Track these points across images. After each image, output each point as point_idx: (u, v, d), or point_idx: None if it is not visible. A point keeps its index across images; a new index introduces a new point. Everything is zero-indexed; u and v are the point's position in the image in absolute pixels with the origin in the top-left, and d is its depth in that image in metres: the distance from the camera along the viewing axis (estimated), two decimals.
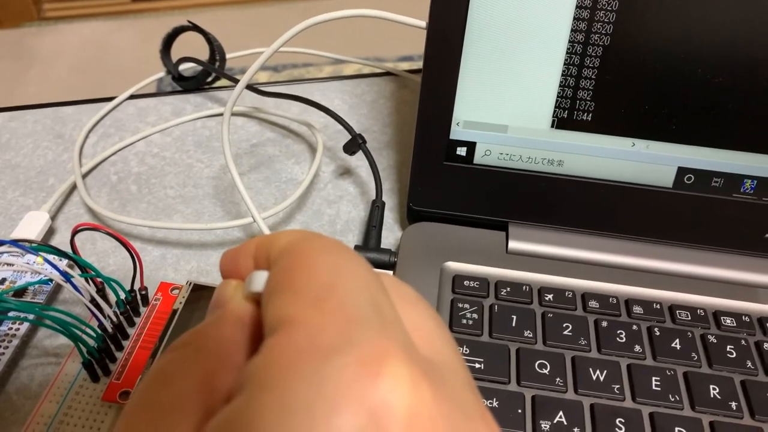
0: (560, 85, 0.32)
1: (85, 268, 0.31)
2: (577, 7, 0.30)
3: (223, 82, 0.49)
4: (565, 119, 0.33)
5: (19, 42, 1.82)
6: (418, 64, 0.54)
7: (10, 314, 0.31)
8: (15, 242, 0.31)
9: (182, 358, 0.16)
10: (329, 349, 0.13)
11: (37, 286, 0.33)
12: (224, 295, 0.17)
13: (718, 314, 0.32)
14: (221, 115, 0.47)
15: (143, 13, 1.95)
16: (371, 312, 0.14)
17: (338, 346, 0.13)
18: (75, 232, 0.30)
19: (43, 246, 0.31)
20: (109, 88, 0.61)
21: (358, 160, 0.44)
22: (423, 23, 0.32)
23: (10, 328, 0.31)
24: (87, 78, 1.65)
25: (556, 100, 0.32)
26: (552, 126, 0.33)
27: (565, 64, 0.32)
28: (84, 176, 0.42)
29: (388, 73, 0.52)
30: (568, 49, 0.31)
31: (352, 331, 0.13)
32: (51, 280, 0.33)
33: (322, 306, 0.14)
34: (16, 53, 1.77)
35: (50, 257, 0.32)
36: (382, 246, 0.37)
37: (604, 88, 0.32)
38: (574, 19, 0.31)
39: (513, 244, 0.35)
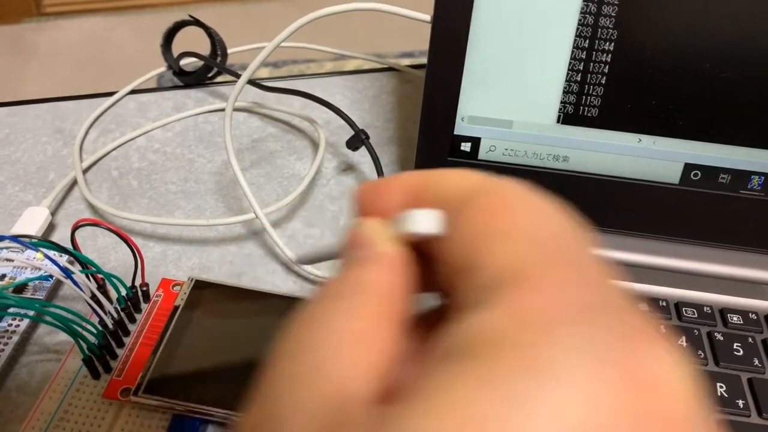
0: (566, 80, 0.32)
1: (85, 264, 0.31)
2: (584, 0, 0.30)
3: (224, 77, 0.49)
4: (571, 114, 0.32)
5: (19, 38, 1.81)
6: (420, 60, 0.54)
7: (10, 310, 0.30)
8: (15, 238, 0.31)
9: (339, 309, 0.13)
10: (590, 310, 0.12)
11: (37, 282, 0.33)
12: (366, 235, 0.15)
13: (724, 311, 0.32)
14: (223, 110, 0.47)
15: (144, 8, 1.95)
16: (606, 273, 0.13)
17: (598, 307, 0.12)
18: (75, 228, 0.30)
19: (44, 242, 0.31)
20: (110, 83, 0.60)
21: (361, 156, 0.43)
22: (427, 17, 0.32)
23: (10, 325, 0.31)
24: (87, 73, 1.65)
25: (562, 95, 0.32)
26: (558, 121, 0.33)
27: (571, 58, 0.31)
28: (84, 172, 0.42)
29: (390, 69, 0.52)
30: (575, 43, 0.31)
31: (606, 294, 0.12)
32: (51, 276, 0.32)
33: (566, 261, 0.13)
34: (16, 49, 1.76)
35: (50, 253, 0.32)
36: None
37: (610, 82, 0.32)
38: (581, 12, 0.30)
39: None
